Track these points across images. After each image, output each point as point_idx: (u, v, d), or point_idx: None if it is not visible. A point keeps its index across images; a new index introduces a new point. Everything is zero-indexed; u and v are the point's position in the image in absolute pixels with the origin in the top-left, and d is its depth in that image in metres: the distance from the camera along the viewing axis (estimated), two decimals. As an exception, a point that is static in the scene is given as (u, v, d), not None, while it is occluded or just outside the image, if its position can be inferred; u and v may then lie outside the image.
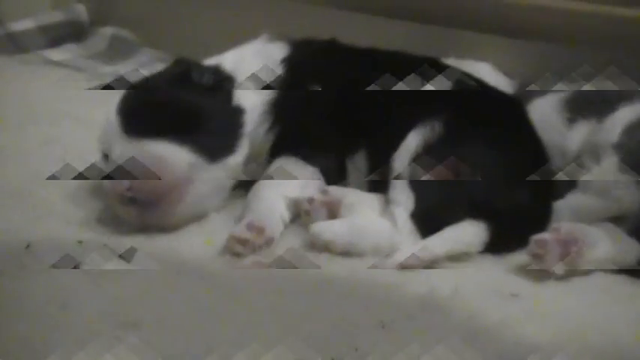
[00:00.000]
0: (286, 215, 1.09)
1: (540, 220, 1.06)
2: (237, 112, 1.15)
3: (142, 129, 1.07)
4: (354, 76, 1.18)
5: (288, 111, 1.17)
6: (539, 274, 0.98)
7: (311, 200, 1.08)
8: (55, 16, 2.14)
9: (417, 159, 1.05)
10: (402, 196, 1.04)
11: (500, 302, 0.92)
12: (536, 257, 0.96)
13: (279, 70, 1.19)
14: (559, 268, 0.96)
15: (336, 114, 1.16)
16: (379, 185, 1.11)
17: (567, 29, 1.39)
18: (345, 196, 1.08)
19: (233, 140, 1.13)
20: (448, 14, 1.53)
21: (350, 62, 1.22)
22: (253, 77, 1.17)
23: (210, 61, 1.21)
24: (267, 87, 1.17)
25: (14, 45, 2.05)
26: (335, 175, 1.14)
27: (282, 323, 0.88)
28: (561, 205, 1.08)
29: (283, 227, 1.08)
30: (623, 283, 0.99)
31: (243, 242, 1.01)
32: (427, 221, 1.02)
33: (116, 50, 2.06)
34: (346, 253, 1.01)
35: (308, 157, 1.13)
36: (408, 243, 1.01)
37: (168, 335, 0.86)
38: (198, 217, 1.09)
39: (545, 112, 1.18)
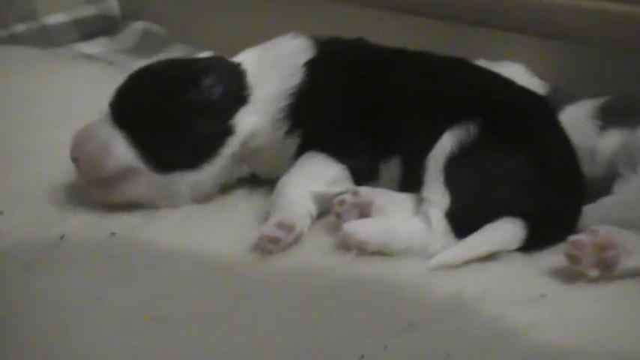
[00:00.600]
0: (314, 210, 1.09)
1: (572, 219, 1.06)
2: (223, 133, 1.12)
3: (118, 113, 1.10)
4: (381, 77, 1.16)
5: (310, 114, 1.15)
6: (569, 277, 0.97)
7: (342, 201, 1.06)
8: (88, 10, 2.15)
9: (452, 159, 1.04)
10: (437, 196, 1.03)
11: (529, 304, 0.92)
12: (572, 258, 0.95)
13: (300, 74, 1.16)
14: (594, 272, 0.95)
15: (365, 116, 1.14)
16: (411, 186, 1.09)
17: (602, 30, 1.38)
18: (377, 198, 1.07)
19: (199, 160, 1.11)
20: (481, 13, 1.52)
21: (378, 63, 1.19)
22: (269, 97, 1.15)
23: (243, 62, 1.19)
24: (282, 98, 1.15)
25: (47, 38, 2.07)
26: (365, 176, 1.12)
27: (311, 320, 0.88)
28: (592, 209, 1.06)
29: (311, 222, 1.08)
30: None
31: (274, 241, 1.01)
32: (461, 221, 1.02)
33: (147, 45, 2.08)
34: (378, 252, 1.01)
35: (336, 155, 1.11)
36: (442, 243, 1.01)
37: (197, 330, 0.87)
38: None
39: (576, 119, 1.18)
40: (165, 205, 1.12)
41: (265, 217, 1.09)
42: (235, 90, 1.14)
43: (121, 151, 1.09)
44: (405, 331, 0.87)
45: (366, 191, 1.08)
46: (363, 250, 1.01)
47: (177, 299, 0.92)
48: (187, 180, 1.11)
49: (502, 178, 1.03)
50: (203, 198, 1.14)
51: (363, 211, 1.06)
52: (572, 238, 0.96)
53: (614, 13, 1.36)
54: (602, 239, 0.95)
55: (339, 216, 1.06)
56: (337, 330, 0.87)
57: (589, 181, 1.11)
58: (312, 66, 1.17)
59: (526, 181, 1.04)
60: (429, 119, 1.10)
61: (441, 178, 1.03)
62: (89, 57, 2.02)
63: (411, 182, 1.09)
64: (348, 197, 1.06)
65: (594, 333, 0.87)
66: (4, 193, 1.15)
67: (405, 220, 1.04)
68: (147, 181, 1.10)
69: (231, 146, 1.13)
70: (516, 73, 1.32)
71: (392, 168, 1.12)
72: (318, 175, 1.10)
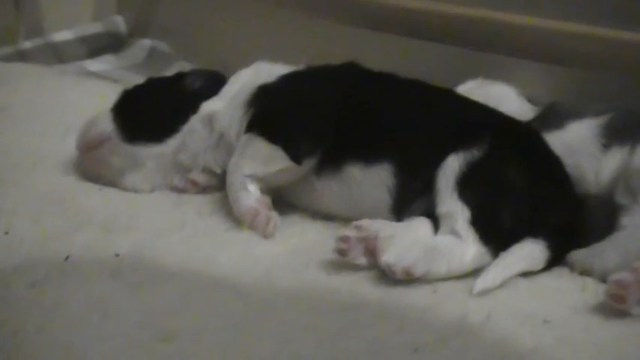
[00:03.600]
0: (258, 189, 1.16)
1: (578, 236, 1.10)
2: (187, 110, 1.27)
3: (116, 103, 1.29)
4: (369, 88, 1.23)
5: (266, 98, 1.22)
6: (573, 301, 0.98)
7: (345, 238, 1.05)
8: (95, 28, 2.17)
9: (462, 176, 1.08)
10: (457, 208, 1.06)
11: (534, 328, 0.92)
12: (617, 298, 0.95)
13: (275, 77, 1.25)
14: (638, 310, 0.95)
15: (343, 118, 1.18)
16: (409, 197, 1.13)
17: (597, 55, 1.40)
18: (381, 230, 1.05)
19: (163, 133, 1.26)
20: (477, 37, 1.53)
21: (368, 79, 1.25)
22: (239, 89, 1.25)
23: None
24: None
25: (54, 55, 2.09)
26: (305, 153, 1.16)
27: (316, 341, 0.89)
28: (611, 247, 1.06)
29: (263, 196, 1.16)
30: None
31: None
32: (486, 227, 1.04)
33: (153, 62, 2.09)
34: (424, 275, 1.01)
35: (271, 136, 1.16)
36: (474, 250, 1.03)
37: (202, 348, 0.87)
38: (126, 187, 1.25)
39: (581, 137, 1.19)
40: (136, 180, 1.25)
41: (271, 237, 1.12)
42: (211, 85, 1.29)
43: (103, 124, 1.26)
44: (409, 354, 0.87)
45: (368, 224, 1.06)
46: (409, 275, 1.00)
47: (183, 317, 0.93)
48: (152, 152, 1.25)
49: (513, 186, 1.08)
50: (169, 178, 1.27)
51: (369, 245, 1.04)
52: (615, 277, 0.95)
53: (614, 39, 1.37)
54: None
55: (343, 253, 1.04)
56: (341, 352, 0.87)
57: (594, 200, 1.13)
58: (289, 75, 1.26)
59: (540, 199, 1.08)
60: (431, 138, 1.14)
61: (455, 195, 1.07)
62: (95, 74, 2.03)
63: (409, 194, 1.13)
64: (350, 233, 1.05)
65: (598, 357, 0.87)
66: (10, 209, 1.16)
67: (436, 238, 1.06)
68: (118, 150, 1.25)
69: (192, 123, 1.26)
70: (507, 95, 1.33)
71: (381, 174, 1.14)
72: (253, 157, 1.16)
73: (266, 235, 1.12)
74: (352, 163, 1.16)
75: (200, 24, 2.11)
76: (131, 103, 1.29)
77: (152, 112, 1.28)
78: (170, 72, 1.97)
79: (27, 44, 2.08)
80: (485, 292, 0.99)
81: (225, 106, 1.25)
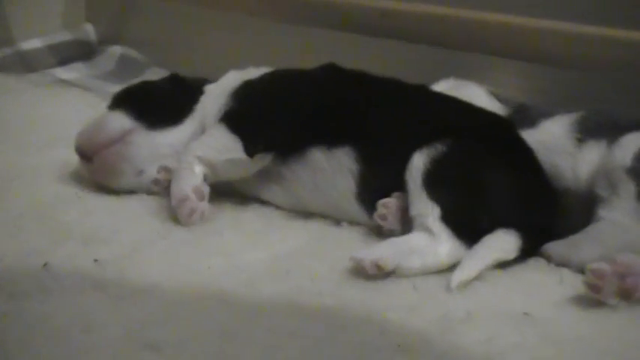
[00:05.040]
0: (202, 172, 1.20)
1: (552, 227, 1.12)
2: (195, 94, 1.33)
3: (114, 103, 1.31)
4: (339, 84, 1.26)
5: (244, 94, 1.27)
6: (552, 296, 1.00)
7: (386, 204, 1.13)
8: (64, 36, 2.16)
9: (428, 174, 1.09)
10: (427, 209, 1.07)
11: (515, 324, 0.94)
12: (593, 288, 0.96)
13: (258, 75, 1.32)
14: (613, 300, 0.96)
15: (310, 103, 1.23)
16: (372, 182, 1.16)
17: (571, 52, 1.41)
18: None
19: (181, 115, 1.30)
20: (450, 36, 1.54)
21: (337, 80, 1.28)
22: (220, 88, 1.32)
23: None
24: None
25: (24, 64, 2.07)
26: (260, 149, 1.20)
27: (302, 346, 0.89)
28: (590, 237, 1.08)
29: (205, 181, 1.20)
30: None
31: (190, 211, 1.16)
32: (458, 221, 1.06)
33: (125, 69, 2.09)
34: (395, 269, 1.03)
35: (233, 126, 1.21)
36: (449, 245, 1.05)
37: (188, 358, 0.87)
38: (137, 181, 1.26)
39: (554, 134, 1.20)
40: (152, 175, 1.26)
41: (253, 244, 1.12)
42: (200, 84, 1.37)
43: (116, 118, 1.27)
44: (393, 355, 0.88)
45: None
46: (380, 268, 1.02)
47: (168, 327, 0.92)
48: (173, 137, 1.28)
49: (479, 179, 1.10)
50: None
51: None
52: (592, 267, 0.97)
53: (591, 36, 1.39)
54: (622, 267, 0.96)
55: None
56: (328, 356, 0.88)
57: (573, 195, 1.14)
58: (270, 73, 1.31)
59: (509, 190, 1.10)
60: (396, 128, 1.18)
61: (424, 195, 1.09)
62: (66, 82, 2.02)
63: (373, 182, 1.16)
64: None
65: (581, 353, 0.89)
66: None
67: (409, 235, 1.08)
68: (145, 140, 1.27)
69: (203, 104, 1.31)
70: (477, 94, 1.35)
71: (344, 158, 1.17)
72: (210, 143, 1.21)
73: (183, 224, 1.15)
74: (316, 147, 1.19)
75: (171, 31, 2.11)
76: (141, 97, 1.32)
77: (167, 99, 1.33)
78: (141, 78, 1.97)
79: (-4, 54, 2.07)
80: (462, 285, 1.00)
81: (218, 92, 1.30)
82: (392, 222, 1.12)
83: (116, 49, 2.14)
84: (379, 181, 1.15)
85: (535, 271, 1.06)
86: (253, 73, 1.33)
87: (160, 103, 1.32)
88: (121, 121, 1.27)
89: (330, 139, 1.18)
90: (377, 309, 0.96)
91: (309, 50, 1.65)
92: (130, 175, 1.26)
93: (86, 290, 0.98)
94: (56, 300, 0.96)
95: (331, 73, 1.29)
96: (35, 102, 1.82)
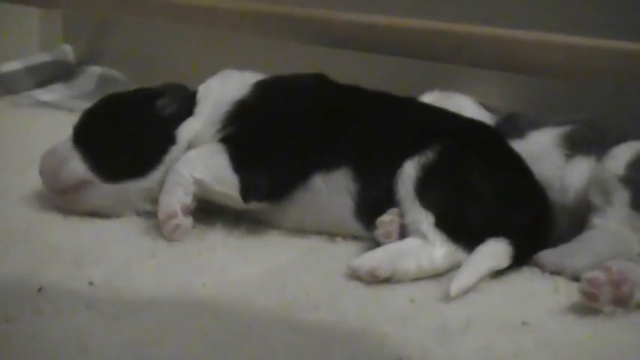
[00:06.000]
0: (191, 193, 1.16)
1: (545, 234, 1.13)
2: (167, 142, 1.23)
3: (77, 132, 1.24)
4: (330, 100, 1.24)
5: (241, 119, 1.22)
6: (548, 304, 1.01)
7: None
8: (42, 57, 2.15)
9: (419, 182, 1.10)
10: (421, 216, 1.08)
11: (513, 333, 0.94)
12: (590, 296, 0.97)
13: (247, 89, 1.25)
14: (609, 308, 0.97)
15: (303, 130, 1.20)
16: (370, 202, 1.16)
17: (556, 64, 1.42)
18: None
19: (145, 168, 1.21)
20: (432, 49, 1.55)
21: (329, 90, 1.28)
22: (212, 106, 1.24)
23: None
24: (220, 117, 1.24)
25: (3, 87, 2.05)
26: (256, 199, 1.17)
27: (298, 360, 0.89)
28: (583, 245, 1.09)
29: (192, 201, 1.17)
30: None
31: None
32: (452, 226, 1.07)
33: (105, 89, 2.06)
34: (391, 276, 1.04)
35: (237, 164, 1.16)
36: (444, 250, 1.06)
37: (186, 375, 0.86)
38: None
39: (542, 146, 1.21)
40: (123, 211, 1.22)
41: (247, 259, 1.11)
42: (184, 106, 1.25)
43: (74, 165, 1.20)
44: (394, 367, 0.88)
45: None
46: (375, 277, 1.03)
47: (163, 345, 0.91)
48: (137, 187, 1.21)
49: (470, 183, 1.11)
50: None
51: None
52: (588, 276, 0.98)
53: (572, 47, 1.40)
54: (617, 275, 0.97)
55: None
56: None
57: (561, 209, 1.15)
58: (261, 84, 1.26)
59: (499, 198, 1.11)
60: (387, 143, 1.18)
61: (417, 202, 1.10)
62: (46, 104, 2.01)
63: (370, 198, 1.15)
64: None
65: (578, 359, 0.89)
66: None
67: (404, 241, 1.08)
68: (100, 191, 1.21)
69: (174, 154, 1.22)
70: (465, 105, 1.36)
71: (342, 180, 1.17)
72: (211, 168, 1.16)
73: (167, 239, 1.15)
74: (316, 172, 1.18)
75: (151, 49, 2.10)
76: (101, 137, 1.22)
77: (129, 148, 1.22)
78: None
79: (-27, 77, 2.05)
80: (461, 294, 1.01)
81: (203, 127, 1.23)
82: (395, 239, 1.12)
83: (95, 69, 2.13)
84: (376, 195, 1.15)
85: (529, 279, 1.07)
86: (228, 87, 1.27)
87: (122, 152, 1.22)
88: (76, 170, 1.20)
89: (329, 163, 1.17)
90: (374, 321, 0.96)
91: (292, 64, 1.64)
92: (102, 211, 1.22)
93: (80, 311, 0.97)
94: (50, 321, 0.94)
95: (322, 89, 1.28)
96: (15, 124, 1.80)
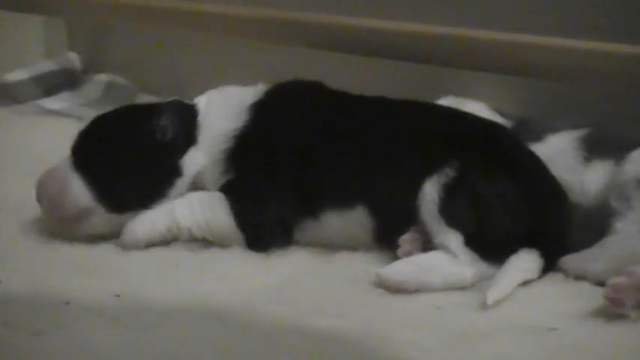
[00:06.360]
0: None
1: (566, 241, 1.13)
2: (173, 174, 1.19)
3: (77, 156, 1.18)
4: (338, 124, 1.20)
5: (243, 159, 1.19)
6: (574, 308, 1.01)
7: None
8: (48, 66, 2.14)
9: (443, 204, 1.08)
10: (448, 235, 1.07)
11: (539, 338, 0.94)
12: (615, 302, 0.97)
13: (244, 115, 1.21)
14: (635, 313, 0.97)
15: (312, 164, 1.17)
16: (389, 235, 1.13)
17: (564, 67, 1.43)
18: None
19: (149, 200, 1.18)
20: (444, 53, 1.55)
21: (330, 107, 1.23)
22: (214, 137, 1.20)
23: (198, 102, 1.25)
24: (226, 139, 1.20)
25: (9, 96, 2.05)
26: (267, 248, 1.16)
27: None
28: (605, 250, 1.09)
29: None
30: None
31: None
32: (483, 245, 1.07)
33: (112, 97, 2.07)
34: (418, 289, 1.04)
35: (241, 221, 1.15)
36: (475, 270, 1.06)
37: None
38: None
39: (560, 149, 1.22)
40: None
41: (264, 268, 1.12)
42: (186, 130, 1.20)
43: (77, 193, 1.16)
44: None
45: None
46: (402, 290, 1.04)
47: (191, 356, 0.92)
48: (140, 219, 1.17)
49: (495, 198, 1.09)
50: None
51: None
52: (612, 281, 0.98)
53: (579, 50, 1.41)
54: None
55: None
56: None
57: (582, 211, 1.15)
58: (259, 107, 1.21)
59: (527, 208, 1.09)
60: (400, 168, 1.14)
61: (443, 224, 1.08)
62: (53, 112, 2.00)
63: (389, 231, 1.13)
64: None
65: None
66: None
67: (431, 254, 1.08)
68: (102, 221, 1.17)
69: (179, 187, 1.19)
70: (479, 110, 1.36)
71: (358, 217, 1.15)
72: (210, 223, 1.15)
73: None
74: (328, 210, 1.15)
75: (156, 55, 2.10)
76: (103, 163, 1.18)
77: (134, 178, 1.18)
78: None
79: (-19, 87, 2.05)
80: (498, 304, 1.01)
81: (206, 163, 1.20)
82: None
83: (102, 77, 2.13)
84: (395, 222, 1.12)
85: (553, 285, 1.07)
86: (226, 108, 1.23)
87: (127, 184, 1.17)
88: (80, 198, 1.16)
89: (341, 202, 1.15)
90: (401, 328, 0.96)
91: (295, 69, 1.64)
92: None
93: (107, 323, 0.97)
94: (78, 336, 0.94)
95: (322, 108, 1.23)
96: (24, 133, 1.79)
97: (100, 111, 1.93)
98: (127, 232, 1.16)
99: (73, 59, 2.18)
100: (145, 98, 2.00)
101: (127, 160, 1.18)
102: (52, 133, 1.79)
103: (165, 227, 1.15)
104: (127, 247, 1.15)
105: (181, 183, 1.19)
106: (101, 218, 1.17)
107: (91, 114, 1.93)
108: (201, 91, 1.32)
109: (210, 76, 1.91)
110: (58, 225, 1.18)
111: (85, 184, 1.16)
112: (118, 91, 2.08)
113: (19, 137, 1.76)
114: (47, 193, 1.17)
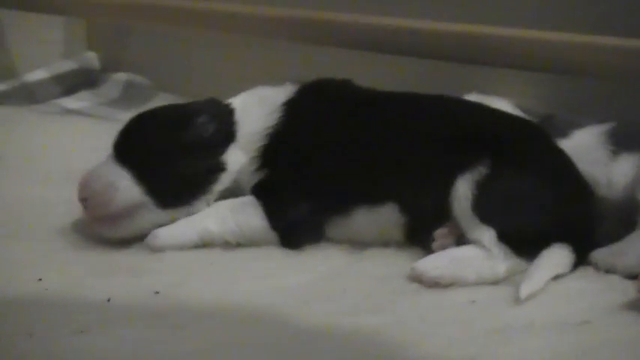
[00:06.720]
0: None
1: (595, 236, 1.14)
2: (216, 170, 1.21)
3: (122, 153, 1.19)
4: (368, 121, 1.21)
5: (275, 156, 1.21)
6: (604, 301, 1.02)
7: None
8: (68, 65, 2.17)
9: (477, 201, 1.10)
10: (482, 231, 1.09)
11: (575, 332, 0.96)
12: None
13: (277, 113, 1.23)
14: None
15: (344, 161, 1.18)
16: (422, 233, 1.15)
17: (587, 63, 1.44)
18: None
19: (195, 195, 1.20)
20: (466, 50, 1.56)
21: (360, 104, 1.24)
22: (251, 134, 1.22)
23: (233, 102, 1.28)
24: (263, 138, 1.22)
25: (29, 96, 2.07)
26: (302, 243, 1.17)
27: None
28: (632, 245, 1.11)
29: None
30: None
31: None
32: (516, 240, 1.08)
33: (131, 96, 2.09)
34: (452, 283, 1.06)
35: (275, 222, 1.17)
36: (508, 265, 1.07)
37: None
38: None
39: (587, 144, 1.23)
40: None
41: (301, 265, 1.13)
42: (225, 127, 1.22)
43: (127, 187, 1.16)
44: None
45: None
46: (437, 285, 1.06)
47: (229, 353, 0.93)
48: (183, 213, 1.19)
49: (527, 195, 1.11)
50: None
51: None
52: None
53: (599, 46, 1.41)
54: None
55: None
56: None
57: (610, 205, 1.17)
58: (290, 105, 1.24)
59: (558, 204, 1.11)
60: (432, 165, 1.15)
61: (476, 220, 1.09)
62: (73, 111, 2.02)
63: (420, 228, 1.15)
64: None
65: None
66: (34, 260, 1.14)
67: (466, 248, 1.09)
68: (151, 216, 1.17)
69: (223, 183, 1.21)
70: (502, 108, 1.37)
71: (388, 214, 1.16)
72: (243, 227, 1.17)
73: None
74: (359, 207, 1.17)
75: (173, 54, 2.12)
76: (149, 158, 1.18)
77: (180, 174, 1.19)
78: (150, 104, 1.97)
79: (1, 86, 2.06)
80: (531, 298, 1.02)
81: (245, 161, 1.22)
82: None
83: (121, 76, 2.15)
84: (427, 219, 1.14)
85: (584, 278, 1.09)
86: (269, 105, 1.25)
87: (175, 179, 1.19)
88: (130, 192, 1.16)
89: (372, 199, 1.16)
90: (438, 323, 0.98)
91: (316, 68, 1.65)
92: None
93: (148, 320, 0.98)
94: (118, 332, 0.96)
95: (352, 107, 1.24)
96: (47, 133, 1.81)
97: (120, 110, 2.00)
98: (150, 236, 1.17)
99: (92, 58, 2.20)
100: (163, 97, 2.02)
101: (172, 155, 1.19)
102: (74, 133, 1.82)
103: (198, 236, 1.17)
104: (151, 249, 1.16)
105: (225, 178, 1.21)
106: (150, 213, 1.17)
107: (110, 113, 1.98)
108: (219, 90, 1.34)
109: (228, 75, 1.93)
110: (103, 225, 1.17)
111: (134, 179, 1.16)
112: (137, 90, 2.10)
113: (44, 137, 1.77)
114: (93, 192, 1.16)
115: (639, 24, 1.40)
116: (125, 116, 1.89)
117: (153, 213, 1.17)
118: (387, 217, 1.16)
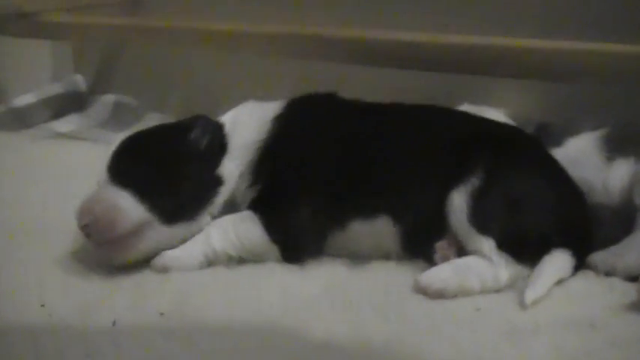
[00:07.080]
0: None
1: (593, 239, 1.16)
2: (215, 182, 1.22)
3: (119, 175, 1.17)
4: (352, 133, 1.22)
5: (267, 170, 1.22)
6: (607, 302, 1.04)
7: None
8: (55, 89, 2.16)
9: (472, 213, 1.11)
10: (481, 241, 1.10)
11: (581, 333, 0.97)
12: None
13: (267, 127, 1.24)
14: None
15: (334, 175, 1.19)
16: (418, 244, 1.16)
17: (581, 69, 1.45)
18: None
19: (198, 209, 1.20)
20: (459, 60, 1.57)
21: (348, 118, 1.26)
22: (242, 147, 1.23)
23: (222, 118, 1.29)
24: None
25: (18, 120, 2.07)
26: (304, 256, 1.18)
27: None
28: (630, 248, 1.13)
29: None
30: None
31: None
32: (516, 247, 1.09)
33: (120, 116, 2.09)
34: (457, 294, 1.07)
35: (274, 234, 1.17)
36: (510, 272, 1.09)
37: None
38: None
39: (582, 150, 1.25)
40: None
41: (306, 278, 1.14)
42: (217, 139, 1.23)
43: (130, 207, 1.14)
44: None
45: None
46: (442, 296, 1.06)
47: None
48: (188, 229, 1.19)
49: (522, 203, 1.12)
50: None
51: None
52: None
53: (597, 52, 1.43)
54: None
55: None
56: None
57: (607, 210, 1.18)
58: (280, 120, 1.25)
59: (555, 209, 1.13)
60: (423, 177, 1.16)
61: (474, 231, 1.11)
62: (63, 135, 2.02)
63: (417, 240, 1.16)
64: None
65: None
66: (34, 283, 1.14)
67: (469, 258, 1.10)
68: (157, 234, 1.16)
69: (223, 195, 1.22)
70: (495, 117, 1.38)
71: (382, 227, 1.17)
72: (243, 241, 1.18)
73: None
74: (354, 220, 1.18)
75: (160, 74, 2.12)
76: (148, 176, 1.17)
77: (180, 189, 1.19)
78: (140, 124, 1.98)
79: (-10, 112, 2.06)
80: (536, 303, 1.04)
81: (239, 175, 1.23)
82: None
83: (109, 97, 2.15)
84: (422, 230, 1.15)
85: (585, 281, 1.11)
86: (258, 119, 1.26)
87: (177, 195, 1.18)
88: (134, 212, 1.14)
89: (366, 211, 1.17)
90: (446, 329, 0.99)
91: (307, 82, 1.65)
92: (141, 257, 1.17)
93: (156, 341, 0.98)
94: (128, 354, 0.96)
95: (341, 121, 1.25)
96: (39, 158, 1.81)
97: (110, 131, 2.00)
98: (157, 258, 1.17)
99: (79, 81, 2.20)
100: (152, 117, 2.02)
101: (170, 171, 1.19)
102: (66, 156, 1.82)
103: (203, 254, 1.17)
104: (158, 271, 1.16)
105: (224, 190, 1.21)
106: (155, 232, 1.15)
107: (100, 134, 1.98)
108: (207, 109, 1.33)
109: (216, 94, 1.93)
110: (110, 249, 1.14)
111: (136, 198, 1.15)
112: (126, 111, 2.10)
113: (36, 162, 1.77)
114: (96, 216, 1.13)
115: (629, 29, 1.42)
116: (115, 137, 1.92)
117: (158, 231, 1.16)
118: (381, 229, 1.17)
